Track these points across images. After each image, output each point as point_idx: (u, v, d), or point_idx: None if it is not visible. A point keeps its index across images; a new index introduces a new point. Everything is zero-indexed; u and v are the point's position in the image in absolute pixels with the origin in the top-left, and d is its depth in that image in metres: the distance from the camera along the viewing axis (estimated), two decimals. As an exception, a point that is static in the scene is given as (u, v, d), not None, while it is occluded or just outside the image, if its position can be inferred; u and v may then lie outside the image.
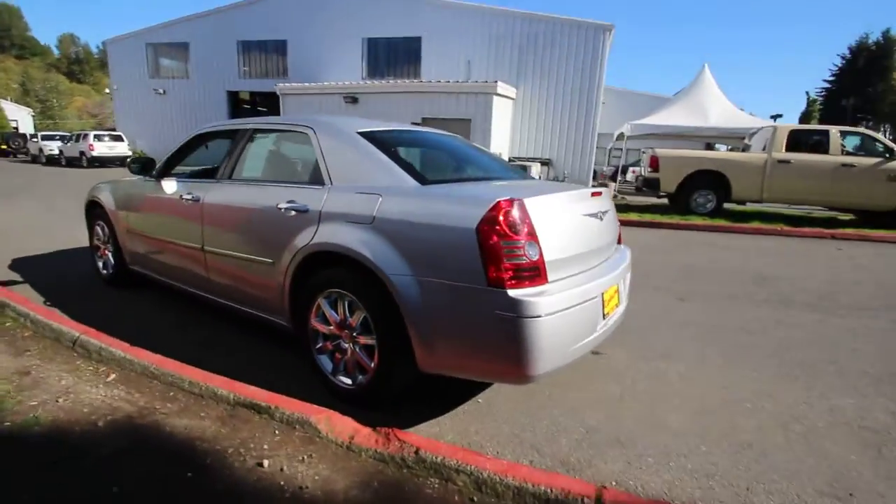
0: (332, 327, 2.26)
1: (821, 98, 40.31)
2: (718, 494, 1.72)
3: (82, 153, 19.25)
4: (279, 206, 2.38)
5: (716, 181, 8.80)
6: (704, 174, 8.81)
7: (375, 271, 1.97)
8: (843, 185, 8.11)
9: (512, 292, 1.72)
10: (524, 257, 1.77)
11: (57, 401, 2.12)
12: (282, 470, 1.70)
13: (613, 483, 1.76)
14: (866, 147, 8.20)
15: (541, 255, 1.82)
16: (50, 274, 4.28)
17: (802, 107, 41.54)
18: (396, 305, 1.96)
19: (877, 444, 2.05)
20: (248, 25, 19.48)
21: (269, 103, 26.87)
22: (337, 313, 2.23)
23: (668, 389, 2.51)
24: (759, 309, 3.92)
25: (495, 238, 1.74)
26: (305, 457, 1.77)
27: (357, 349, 2.18)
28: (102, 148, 19.16)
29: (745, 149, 10.51)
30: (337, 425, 1.91)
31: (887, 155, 7.91)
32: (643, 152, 10.99)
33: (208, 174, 3.20)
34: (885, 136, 8.27)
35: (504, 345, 1.77)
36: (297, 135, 2.59)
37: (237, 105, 21.93)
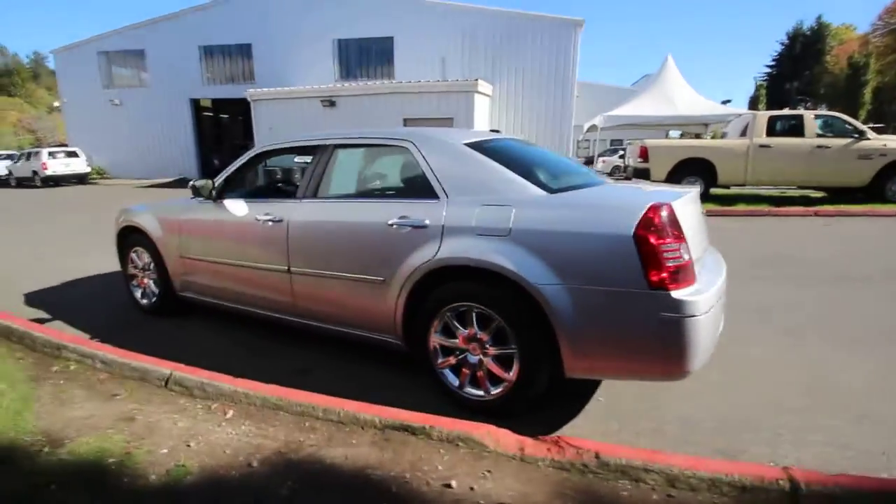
0: (456, 341, 2.26)
1: (766, 82, 42.67)
2: (864, 462, 1.85)
3: (35, 172, 17.98)
4: (389, 222, 2.35)
5: (703, 168, 9.23)
6: (692, 162, 9.22)
7: (520, 282, 1.99)
8: (819, 165, 8.68)
9: (675, 293, 1.79)
10: (680, 258, 1.84)
11: (188, 445, 2.02)
12: (472, 489, 1.70)
13: (771, 463, 1.86)
14: (837, 129, 8.81)
15: (690, 255, 1.90)
16: (75, 307, 4.03)
17: (751, 91, 43.93)
18: (541, 315, 1.99)
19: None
20: (210, 29, 18.70)
21: (233, 110, 25.99)
22: (464, 327, 2.23)
23: (761, 371, 2.65)
24: (790, 287, 4.18)
25: (655, 242, 1.80)
26: (486, 472, 1.78)
27: (490, 361, 2.19)
28: (57, 165, 17.95)
29: (723, 136, 11.06)
30: (500, 438, 1.93)
31: (856, 135, 8.53)
32: (628, 143, 11.35)
33: (277, 193, 3.08)
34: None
35: (666, 344, 1.83)
36: (392, 149, 2.56)
37: (198, 113, 21.03)
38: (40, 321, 3.66)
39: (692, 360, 1.84)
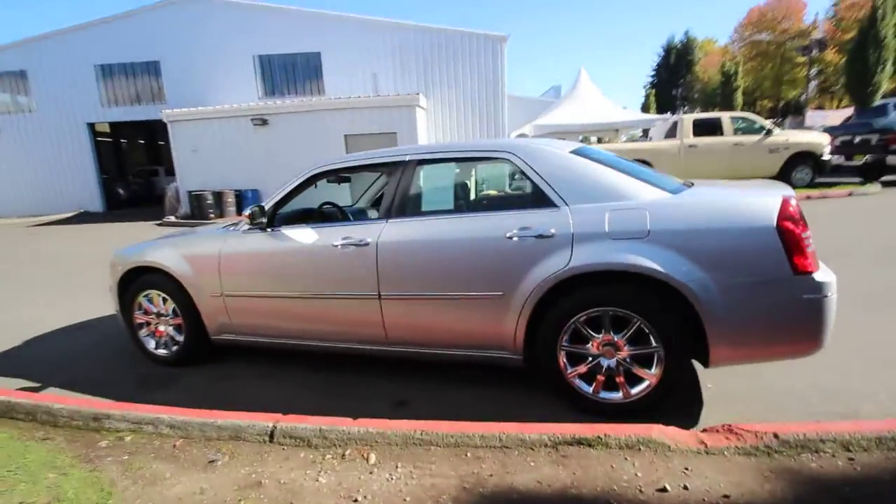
0: (587, 348, 2.28)
1: (653, 90, 47.83)
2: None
3: None
4: (507, 234, 2.31)
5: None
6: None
7: (668, 281, 2.06)
8: (738, 160, 9.93)
9: (817, 276, 1.97)
10: (811, 245, 2.03)
11: (354, 501, 1.81)
12: (686, 488, 1.72)
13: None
14: (748, 128, 10.15)
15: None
16: (60, 368, 3.40)
17: (642, 98, 49.00)
18: (688, 311, 2.08)
19: None
20: (108, 47, 16.75)
21: (135, 134, 23.49)
22: (597, 332, 2.25)
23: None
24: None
25: (796, 231, 1.98)
26: (684, 470, 1.81)
27: (629, 362, 2.23)
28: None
29: (645, 138, 12.22)
30: (675, 436, 1.97)
31: (764, 133, 9.90)
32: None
33: (327, 217, 2.83)
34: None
35: (808, 324, 2.01)
36: (489, 161, 2.51)
37: (95, 139, 18.73)
38: (41, 388, 3.05)
39: (826, 335, 2.03)
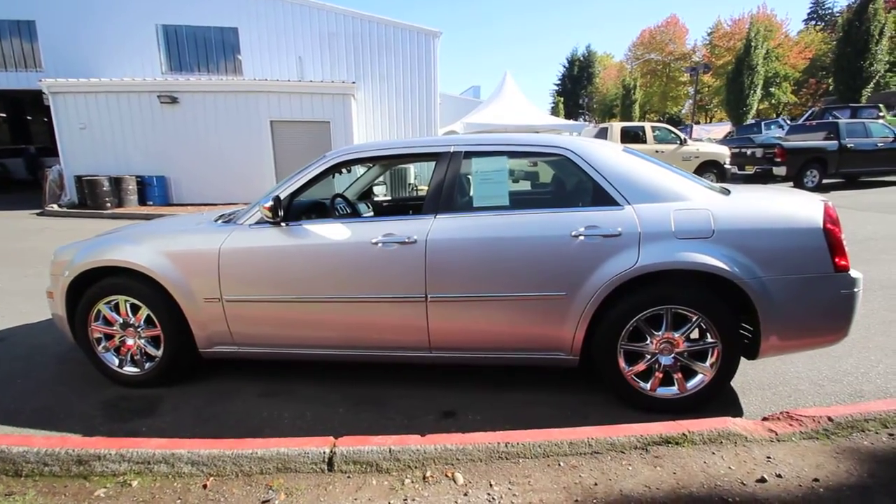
0: (646, 346, 2.32)
1: (561, 97, 51.11)
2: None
3: None
4: (574, 233, 2.26)
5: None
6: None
7: (732, 279, 2.16)
8: (657, 165, 10.99)
9: (853, 273, 2.20)
10: (845, 245, 2.25)
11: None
12: (780, 476, 1.81)
13: None
14: (665, 137, 11.25)
15: None
16: (20, 405, 2.68)
17: (550, 103, 52.11)
18: (748, 308, 2.20)
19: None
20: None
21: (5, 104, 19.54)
22: (657, 330, 2.30)
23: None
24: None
25: (837, 232, 2.18)
26: (767, 459, 1.91)
27: (687, 358, 2.31)
28: None
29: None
30: (747, 427, 2.07)
31: (679, 142, 11.05)
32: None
33: (353, 211, 2.53)
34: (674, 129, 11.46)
35: (841, 316, 2.23)
36: (542, 157, 2.42)
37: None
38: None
39: (852, 325, 2.28)
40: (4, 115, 20.88)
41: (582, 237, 2.26)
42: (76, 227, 8.95)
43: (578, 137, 2.82)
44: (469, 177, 2.54)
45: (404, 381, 2.79)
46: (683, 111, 46.09)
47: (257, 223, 2.55)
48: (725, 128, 25.54)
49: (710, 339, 2.28)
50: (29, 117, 21.38)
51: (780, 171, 10.50)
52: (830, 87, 25.49)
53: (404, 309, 2.42)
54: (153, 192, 12.63)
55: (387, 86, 16.36)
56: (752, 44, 22.44)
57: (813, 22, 44.15)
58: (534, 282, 2.31)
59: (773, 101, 34.01)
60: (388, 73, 16.32)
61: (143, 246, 2.61)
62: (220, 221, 2.73)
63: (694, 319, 2.26)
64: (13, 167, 18.64)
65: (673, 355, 2.33)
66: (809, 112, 13.19)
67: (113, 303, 2.69)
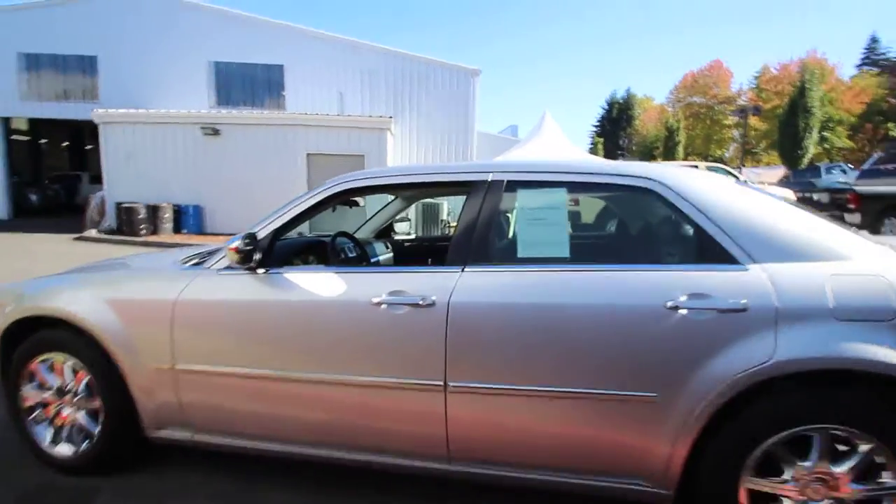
0: (787, 482, 1.49)
1: (600, 139, 50.70)
2: None
3: None
4: (668, 304, 1.52)
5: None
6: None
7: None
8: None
9: None
10: None
11: None
12: None
13: None
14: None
15: None
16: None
17: (589, 144, 51.82)
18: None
19: None
20: (35, 35, 14.70)
21: (57, 134, 20.84)
22: (802, 460, 1.47)
23: None
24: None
25: None
26: None
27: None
28: None
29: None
30: None
31: (741, 183, 10.11)
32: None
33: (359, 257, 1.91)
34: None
35: None
36: (619, 190, 1.73)
37: (9, 136, 16.25)
38: None
39: None
40: (67, 144, 22.26)
41: (683, 310, 1.52)
42: (95, 253, 8.82)
43: (665, 165, 2.13)
44: (511, 215, 1.86)
45: (414, 496, 2.03)
46: (728, 154, 44.48)
47: (227, 268, 1.95)
48: (777, 172, 24.16)
49: (890, 481, 1.44)
50: (89, 146, 22.70)
51: (854, 218, 9.29)
52: (889, 132, 23.77)
53: (414, 400, 1.73)
54: (188, 220, 12.68)
55: (424, 122, 16.28)
56: (808, 86, 21.30)
57: (866, 67, 42.24)
58: (605, 374, 1.57)
59: (826, 145, 32.26)
60: (426, 109, 16.26)
61: (85, 291, 2.06)
62: (189, 263, 2.15)
63: (864, 447, 1.43)
64: (69, 192, 19.56)
65: (824, 499, 1.49)
66: (876, 157, 11.92)
67: (49, 362, 2.13)
